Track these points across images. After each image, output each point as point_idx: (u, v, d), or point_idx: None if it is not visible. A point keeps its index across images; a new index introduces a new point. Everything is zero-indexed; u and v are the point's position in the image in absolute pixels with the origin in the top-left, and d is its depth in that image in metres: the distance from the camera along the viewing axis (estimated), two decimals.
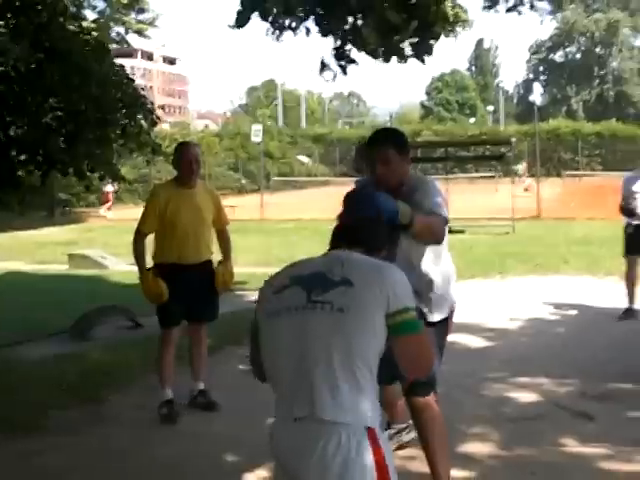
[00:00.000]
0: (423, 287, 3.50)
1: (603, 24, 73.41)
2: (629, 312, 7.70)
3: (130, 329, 7.78)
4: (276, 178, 34.71)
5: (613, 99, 73.41)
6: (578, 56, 78.03)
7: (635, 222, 7.80)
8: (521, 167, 33.52)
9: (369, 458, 2.18)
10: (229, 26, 5.51)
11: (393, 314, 2.25)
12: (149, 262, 5.28)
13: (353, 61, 5.60)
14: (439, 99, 72.75)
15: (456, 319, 7.59)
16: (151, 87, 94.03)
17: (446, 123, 55.46)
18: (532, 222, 18.10)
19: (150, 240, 5.29)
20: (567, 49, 78.91)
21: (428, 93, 75.35)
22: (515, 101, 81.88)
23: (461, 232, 16.19)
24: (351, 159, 38.16)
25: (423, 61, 5.75)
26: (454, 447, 4.36)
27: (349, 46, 5.33)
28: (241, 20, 5.12)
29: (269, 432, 2.37)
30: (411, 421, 4.09)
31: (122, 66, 5.91)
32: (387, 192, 3.13)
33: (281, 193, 32.22)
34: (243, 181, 35.16)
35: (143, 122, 5.87)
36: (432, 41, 5.26)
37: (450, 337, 6.87)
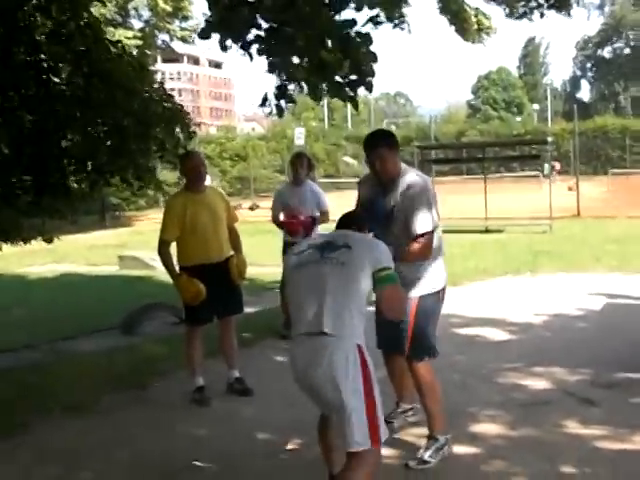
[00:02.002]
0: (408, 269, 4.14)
1: None
2: None
3: (175, 325, 8.24)
4: (321, 180, 35.16)
5: None
6: (627, 51, 76.66)
7: None
8: (547, 166, 33.24)
9: (358, 363, 3.25)
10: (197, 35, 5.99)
11: (377, 271, 3.36)
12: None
13: (293, 101, 5.92)
14: (485, 98, 72.41)
15: (482, 314, 8.03)
16: (198, 91, 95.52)
17: (492, 122, 55.28)
18: (571, 221, 18.22)
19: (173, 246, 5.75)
20: (615, 44, 77.62)
21: (474, 92, 75.04)
22: (562, 98, 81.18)
23: (499, 232, 16.51)
24: None
25: (357, 106, 6.20)
26: (464, 428, 4.80)
27: (292, 85, 5.60)
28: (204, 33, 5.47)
29: (289, 349, 3.52)
30: (417, 404, 4.69)
31: (162, 84, 6.43)
32: (385, 183, 4.20)
33: (326, 194, 32.67)
34: None
35: (180, 135, 6.34)
36: (369, 78, 5.57)
37: (474, 330, 7.36)
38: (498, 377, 5.89)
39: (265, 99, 5.64)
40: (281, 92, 5.58)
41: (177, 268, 5.73)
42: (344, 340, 3.25)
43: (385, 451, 3.96)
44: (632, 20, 73.05)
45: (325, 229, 4.54)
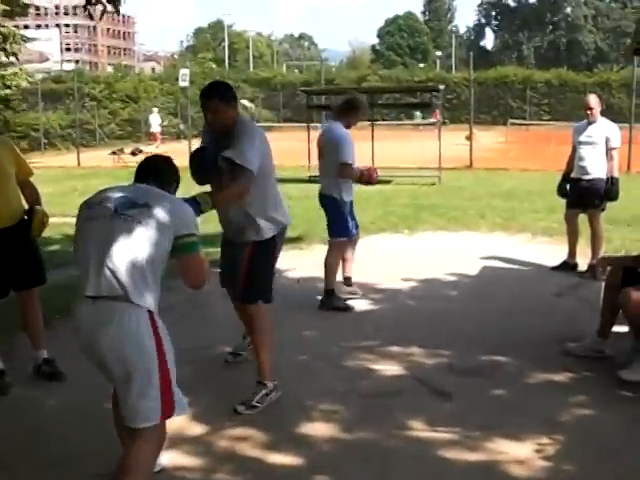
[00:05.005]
0: (242, 219, 4.38)
1: None
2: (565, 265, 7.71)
3: None
4: None
5: (565, 46, 72.91)
6: (532, 0, 77.11)
7: (573, 175, 7.63)
8: (418, 114, 33.00)
9: (148, 331, 2.98)
10: None
11: (180, 237, 3.05)
12: None
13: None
14: (390, 43, 71.64)
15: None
16: (95, 28, 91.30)
17: (395, 68, 54.70)
18: (462, 172, 17.71)
19: None
20: None
21: (380, 37, 74.16)
22: (466, 46, 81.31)
23: (387, 182, 15.82)
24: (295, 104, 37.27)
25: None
26: (293, 427, 4.08)
27: None
28: None
29: (75, 312, 3.11)
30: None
31: None
32: (220, 134, 4.25)
33: None
34: (182, 126, 34.20)
35: None
36: None
37: None
38: (348, 359, 5.16)
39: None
40: None
41: None
42: (134, 306, 2.97)
43: None
44: None
45: None
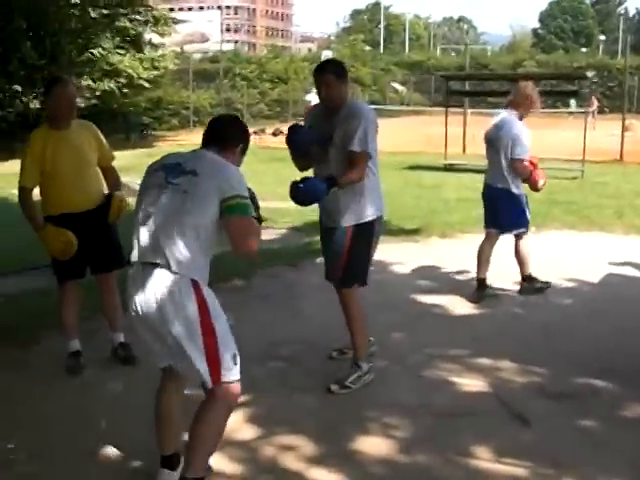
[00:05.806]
0: (347, 199, 4.38)
1: None
2: None
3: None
4: None
5: None
6: None
7: None
8: (573, 102, 31.11)
9: (190, 298, 2.99)
10: None
11: (225, 199, 2.99)
12: None
13: None
14: (553, 27, 68.61)
15: (456, 276, 6.90)
16: (254, 10, 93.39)
17: (555, 53, 52.31)
18: (610, 167, 16.52)
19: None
20: None
21: (542, 20, 71.21)
22: (634, 30, 76.45)
23: None
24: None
25: None
26: (346, 440, 3.77)
27: None
28: None
29: (127, 276, 3.15)
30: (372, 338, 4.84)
31: None
32: (330, 111, 4.38)
33: None
34: None
35: None
36: None
37: (436, 298, 6.28)
38: (429, 368, 4.77)
39: None
40: None
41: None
42: (176, 274, 2.99)
43: None
44: None
45: None
